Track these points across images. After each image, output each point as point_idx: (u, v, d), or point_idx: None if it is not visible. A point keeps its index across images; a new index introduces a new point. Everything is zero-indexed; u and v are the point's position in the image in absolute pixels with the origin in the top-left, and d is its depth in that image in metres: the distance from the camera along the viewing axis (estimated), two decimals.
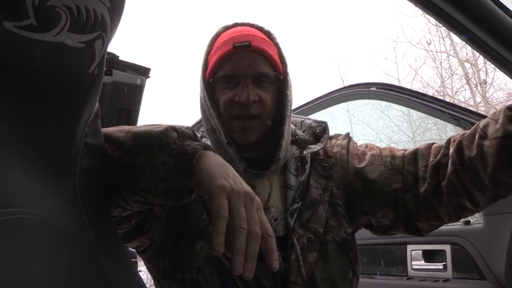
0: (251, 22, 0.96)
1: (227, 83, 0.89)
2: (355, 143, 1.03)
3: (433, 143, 0.94)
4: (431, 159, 0.90)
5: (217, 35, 0.94)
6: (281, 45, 0.94)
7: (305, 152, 0.95)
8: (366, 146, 1.01)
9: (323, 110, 2.37)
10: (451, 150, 0.87)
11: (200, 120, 1.02)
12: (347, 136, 1.03)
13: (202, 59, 0.94)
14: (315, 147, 0.96)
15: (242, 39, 0.88)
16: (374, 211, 0.94)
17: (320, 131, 1.00)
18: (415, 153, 0.93)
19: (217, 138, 0.92)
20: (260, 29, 0.95)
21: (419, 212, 0.90)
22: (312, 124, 1.02)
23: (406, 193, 0.91)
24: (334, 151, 1.00)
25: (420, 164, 0.91)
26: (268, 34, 0.94)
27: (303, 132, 1.02)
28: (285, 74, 0.92)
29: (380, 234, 0.99)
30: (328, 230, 0.91)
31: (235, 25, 0.96)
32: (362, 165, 0.96)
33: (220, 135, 0.91)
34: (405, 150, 0.96)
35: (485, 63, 9.41)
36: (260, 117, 0.89)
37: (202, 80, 0.93)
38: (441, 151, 0.89)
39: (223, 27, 0.96)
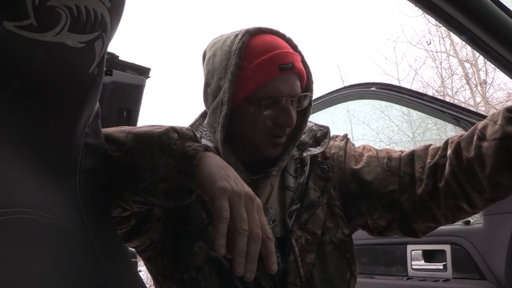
0: (273, 28, 0.92)
1: (268, 103, 0.86)
2: (353, 145, 1.03)
3: (430, 145, 0.94)
4: (428, 160, 0.90)
5: (244, 43, 0.86)
6: (303, 53, 0.93)
7: (304, 154, 0.95)
8: (364, 147, 1.01)
9: (323, 110, 2.37)
10: (449, 151, 0.87)
11: (199, 118, 1.01)
12: (345, 138, 1.03)
13: (227, 71, 0.85)
14: (315, 150, 0.96)
15: (286, 60, 0.86)
16: (370, 212, 0.94)
17: (321, 135, 1.00)
18: (412, 154, 0.93)
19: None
20: (283, 37, 0.92)
21: (416, 214, 0.90)
22: (313, 127, 1.02)
23: (402, 195, 0.91)
24: (332, 152, 1.00)
25: (417, 166, 0.91)
26: (290, 42, 0.92)
27: (303, 134, 1.02)
28: (310, 83, 0.94)
29: (377, 235, 0.98)
30: (326, 231, 0.91)
31: (259, 31, 0.89)
32: (358, 166, 0.96)
33: (220, 155, 0.85)
34: (402, 152, 0.96)
35: (485, 63, 9.41)
36: (287, 134, 0.91)
37: (228, 95, 0.84)
38: (439, 152, 0.89)
39: (246, 33, 0.87)
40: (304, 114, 0.94)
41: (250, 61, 0.85)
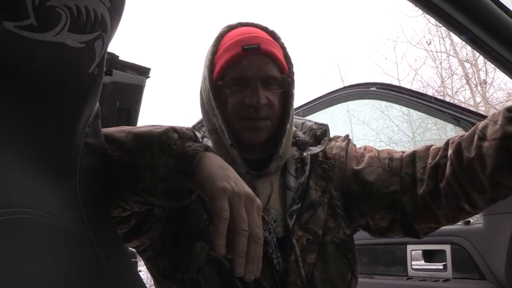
0: (255, 22, 0.96)
1: (237, 85, 0.89)
2: (354, 145, 1.03)
3: (432, 145, 0.94)
4: (429, 161, 0.90)
5: (222, 35, 0.94)
6: (286, 45, 0.95)
7: (305, 154, 0.95)
8: (365, 148, 1.01)
9: (323, 110, 2.37)
10: (449, 152, 0.87)
11: (201, 120, 1.01)
12: (346, 138, 1.03)
13: (207, 59, 0.93)
14: (315, 149, 0.96)
15: (251, 42, 0.88)
16: (371, 213, 0.94)
17: (320, 134, 1.00)
18: (413, 155, 0.93)
19: (219, 139, 0.92)
20: (265, 29, 0.95)
21: (417, 214, 0.90)
22: (313, 126, 1.02)
23: (404, 195, 0.91)
24: (333, 152, 1.00)
25: (418, 166, 0.91)
26: (272, 34, 0.94)
27: (304, 133, 1.02)
28: (291, 74, 0.93)
29: (378, 236, 0.98)
30: (327, 231, 0.91)
31: (239, 25, 0.95)
32: (360, 167, 0.96)
33: (224, 136, 0.91)
34: (403, 153, 0.96)
35: (485, 63, 9.41)
36: (268, 118, 0.90)
37: (208, 81, 0.92)
38: (440, 152, 0.89)
39: (227, 27, 0.95)
40: (285, 108, 0.93)
41: (221, 47, 0.91)
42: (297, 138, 0.99)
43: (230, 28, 0.95)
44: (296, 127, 1.03)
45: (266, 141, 0.91)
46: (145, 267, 0.94)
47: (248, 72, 0.88)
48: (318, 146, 0.97)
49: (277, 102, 0.90)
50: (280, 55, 0.91)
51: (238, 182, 0.63)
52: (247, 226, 0.59)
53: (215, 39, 0.94)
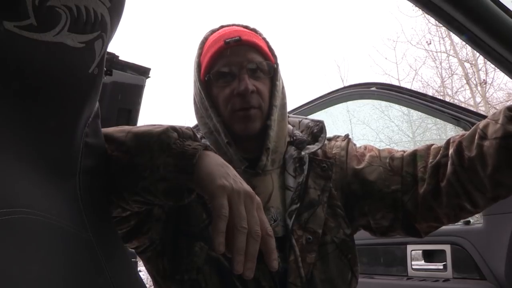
0: (237, 23, 0.99)
1: (223, 78, 0.90)
2: (354, 145, 1.03)
3: (432, 144, 0.94)
4: (430, 160, 0.90)
5: (206, 38, 0.96)
6: (268, 40, 0.97)
7: (303, 153, 0.95)
8: (365, 147, 1.01)
9: (323, 110, 2.37)
10: (450, 151, 0.87)
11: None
12: (346, 138, 1.03)
13: (194, 63, 0.95)
14: (313, 147, 0.96)
15: (232, 35, 0.90)
16: (373, 212, 0.94)
17: (317, 131, 1.00)
18: (414, 154, 0.93)
19: (216, 140, 0.92)
20: (246, 27, 0.97)
21: (418, 213, 0.90)
22: (310, 123, 1.03)
23: (405, 194, 0.91)
24: (333, 152, 1.00)
25: (419, 166, 0.91)
26: (254, 31, 0.96)
27: (301, 132, 1.02)
28: (276, 64, 0.94)
29: (379, 235, 0.98)
30: (327, 231, 0.91)
31: (221, 27, 0.97)
32: (360, 166, 0.96)
33: (220, 136, 0.91)
34: (404, 152, 0.96)
35: (485, 63, 9.42)
36: (259, 107, 0.90)
37: (197, 82, 0.93)
38: (441, 152, 0.89)
39: (210, 31, 0.98)
40: (272, 89, 0.93)
41: (205, 47, 0.94)
42: (294, 137, 0.99)
43: (213, 31, 0.97)
44: (293, 125, 1.03)
45: (260, 136, 0.91)
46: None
47: (232, 63, 0.89)
48: (316, 144, 0.97)
49: (266, 90, 0.91)
50: (263, 45, 0.93)
51: (237, 180, 0.63)
52: (246, 223, 0.59)
53: (200, 43, 0.97)
